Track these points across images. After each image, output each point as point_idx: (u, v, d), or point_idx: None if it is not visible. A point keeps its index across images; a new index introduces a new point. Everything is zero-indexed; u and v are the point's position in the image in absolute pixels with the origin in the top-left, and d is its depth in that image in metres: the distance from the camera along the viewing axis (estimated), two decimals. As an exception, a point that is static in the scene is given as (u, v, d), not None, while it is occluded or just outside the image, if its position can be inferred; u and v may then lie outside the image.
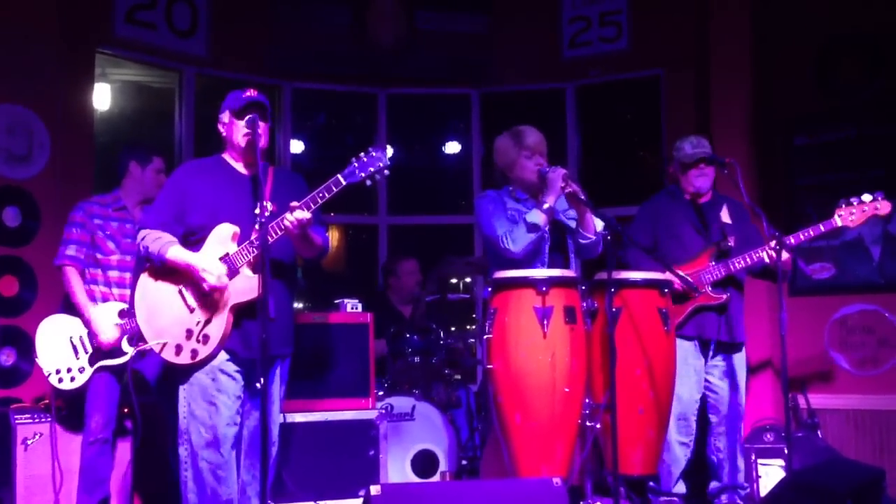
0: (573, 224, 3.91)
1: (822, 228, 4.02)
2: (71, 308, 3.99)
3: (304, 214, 3.20)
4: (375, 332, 4.42)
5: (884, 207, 4.02)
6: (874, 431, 4.88)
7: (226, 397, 3.31)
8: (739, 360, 4.25)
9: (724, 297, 4.14)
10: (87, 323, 3.94)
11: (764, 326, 5.05)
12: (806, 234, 4.04)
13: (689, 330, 4.15)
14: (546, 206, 3.72)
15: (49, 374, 3.90)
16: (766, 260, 4.04)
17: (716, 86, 5.39)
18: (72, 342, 3.94)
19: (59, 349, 3.93)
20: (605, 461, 3.69)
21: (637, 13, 6.11)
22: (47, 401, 4.11)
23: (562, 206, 3.94)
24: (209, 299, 3.30)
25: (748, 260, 4.10)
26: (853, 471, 3.57)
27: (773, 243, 3.90)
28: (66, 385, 3.90)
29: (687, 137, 4.37)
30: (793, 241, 4.03)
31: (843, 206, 4.03)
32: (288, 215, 3.21)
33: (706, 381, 4.24)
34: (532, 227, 3.71)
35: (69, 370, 3.91)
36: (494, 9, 6.45)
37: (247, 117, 3.35)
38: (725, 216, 4.31)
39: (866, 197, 4.02)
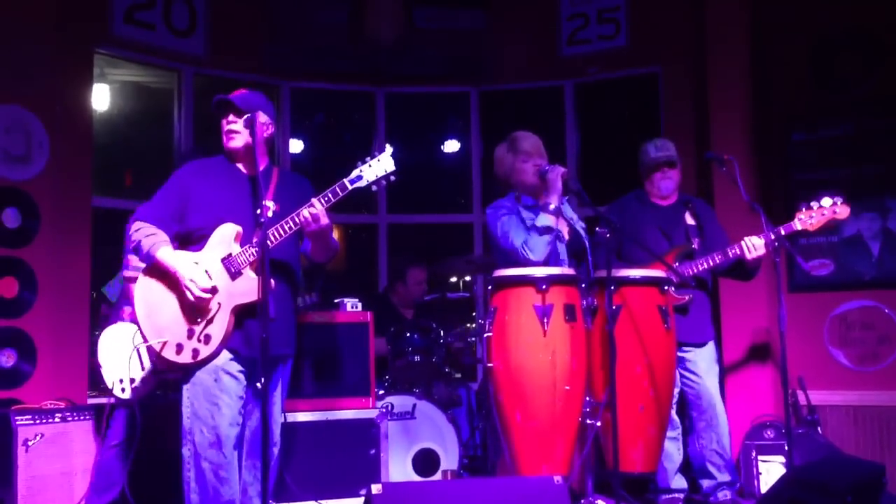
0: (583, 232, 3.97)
1: (782, 231, 4.03)
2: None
3: (319, 207, 3.23)
4: (375, 332, 4.41)
5: (842, 212, 4.08)
6: (874, 427, 4.89)
7: (228, 397, 3.30)
8: (708, 356, 4.26)
9: (686, 298, 4.15)
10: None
11: (763, 323, 5.05)
12: (767, 235, 4.05)
13: None
14: (552, 206, 3.73)
15: (112, 385, 3.84)
16: (740, 255, 4.05)
17: (714, 82, 5.38)
18: (138, 352, 3.83)
19: (123, 359, 3.85)
20: (605, 459, 3.70)
21: (635, 10, 6.10)
22: (53, 401, 4.13)
23: (569, 213, 3.97)
24: (208, 300, 3.30)
25: (711, 262, 4.14)
26: (853, 467, 3.57)
27: (772, 238, 3.95)
28: (129, 395, 3.84)
29: (652, 140, 4.41)
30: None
31: (804, 209, 4.09)
32: (304, 210, 3.23)
33: (683, 379, 4.24)
34: (544, 230, 3.73)
35: (132, 381, 3.84)
36: (493, 6, 6.43)
37: (224, 115, 3.45)
38: (691, 218, 4.34)
39: (826, 201, 4.07)
